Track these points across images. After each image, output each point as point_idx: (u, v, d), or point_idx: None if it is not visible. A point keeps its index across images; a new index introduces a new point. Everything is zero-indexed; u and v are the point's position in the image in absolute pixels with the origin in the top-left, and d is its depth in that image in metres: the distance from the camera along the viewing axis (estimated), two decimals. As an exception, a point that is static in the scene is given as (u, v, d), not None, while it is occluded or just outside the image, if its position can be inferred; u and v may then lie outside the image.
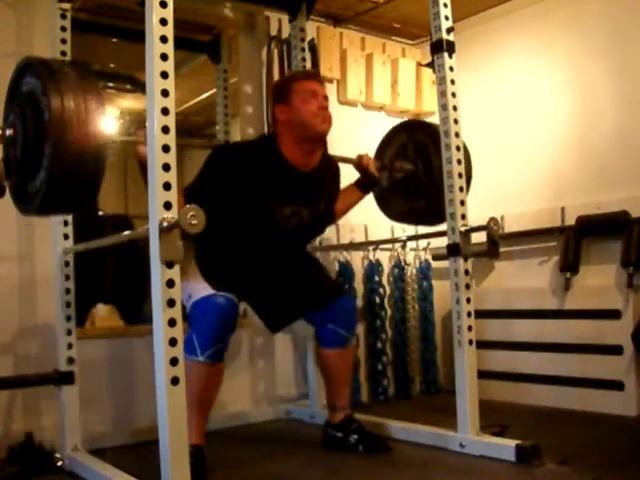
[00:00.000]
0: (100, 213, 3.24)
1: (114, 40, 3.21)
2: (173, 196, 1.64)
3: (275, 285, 2.42)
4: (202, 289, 2.16)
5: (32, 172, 1.68)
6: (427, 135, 2.68)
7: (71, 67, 1.71)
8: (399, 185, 2.83)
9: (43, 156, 1.63)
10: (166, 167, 1.64)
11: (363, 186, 2.62)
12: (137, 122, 3.78)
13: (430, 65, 2.44)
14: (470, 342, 2.32)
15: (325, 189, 2.47)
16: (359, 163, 2.61)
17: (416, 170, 2.75)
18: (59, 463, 2.28)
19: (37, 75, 1.66)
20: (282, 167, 2.31)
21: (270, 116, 2.41)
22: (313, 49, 3.21)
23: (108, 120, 1.66)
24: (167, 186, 1.64)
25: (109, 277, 2.94)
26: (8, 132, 1.74)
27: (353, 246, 3.41)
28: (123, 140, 2.20)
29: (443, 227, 2.43)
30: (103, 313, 2.86)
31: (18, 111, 1.71)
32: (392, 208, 2.92)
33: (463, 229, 2.33)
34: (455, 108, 2.38)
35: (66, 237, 2.36)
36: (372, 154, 2.81)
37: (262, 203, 2.27)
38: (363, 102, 3.65)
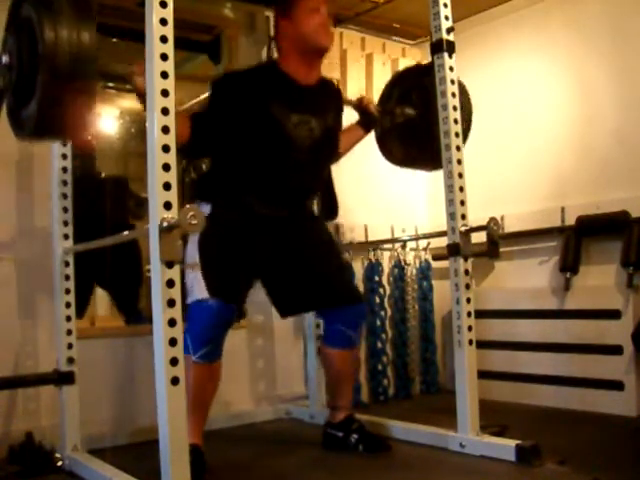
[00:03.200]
0: (102, 175, 3.27)
1: (114, 40, 3.21)
2: (173, 196, 1.64)
3: (291, 262, 2.39)
4: (201, 288, 2.16)
5: (26, 97, 1.71)
6: (431, 80, 2.62)
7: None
8: (400, 129, 2.82)
9: (36, 83, 1.66)
10: (166, 167, 1.64)
11: (364, 125, 2.66)
12: (137, 122, 3.77)
13: (430, 65, 2.44)
14: (470, 342, 2.32)
15: (330, 104, 2.47)
16: (359, 103, 2.65)
17: (418, 115, 2.74)
18: (59, 463, 2.27)
19: (33, 4, 1.71)
20: (284, 81, 2.32)
21: (272, 30, 2.44)
22: (313, 49, 3.21)
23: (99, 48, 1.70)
24: (167, 186, 1.64)
25: (108, 260, 2.93)
26: (4, 58, 1.78)
27: (353, 246, 3.41)
28: (119, 73, 2.26)
29: (443, 227, 2.43)
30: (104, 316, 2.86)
31: (15, 38, 1.76)
32: (392, 151, 2.92)
33: (463, 229, 2.33)
34: (455, 108, 2.38)
35: (66, 237, 2.36)
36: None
37: (267, 113, 2.25)
38: (363, 102, 3.64)
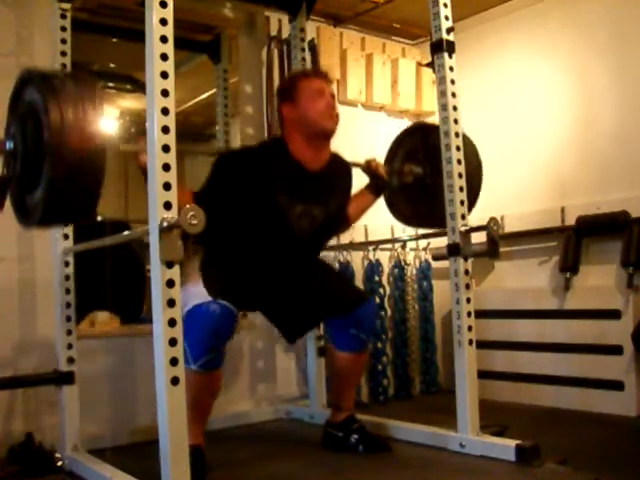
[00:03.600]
0: (99, 218, 3.23)
1: (114, 40, 3.21)
2: (173, 196, 1.64)
3: (291, 294, 2.35)
4: (197, 296, 2.11)
5: (32, 185, 1.67)
6: (438, 138, 2.62)
7: (72, 79, 1.70)
8: (408, 188, 2.78)
9: (42, 171, 1.62)
10: (166, 167, 1.64)
11: (373, 189, 2.59)
12: (138, 125, 3.77)
13: (430, 65, 2.44)
14: (470, 342, 2.31)
15: (336, 188, 2.44)
16: (368, 167, 2.58)
17: (425, 174, 2.70)
18: (59, 463, 2.27)
19: (37, 89, 1.66)
20: (291, 166, 2.28)
21: (276, 115, 2.37)
22: (313, 49, 3.21)
23: (107, 123, 1.65)
24: (167, 186, 1.64)
25: (108, 283, 2.92)
26: (9, 145, 1.72)
27: (353, 246, 3.41)
28: (124, 149, 2.17)
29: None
30: (103, 319, 2.85)
31: (19, 124, 1.71)
32: (400, 210, 2.87)
33: (463, 229, 2.33)
34: (455, 108, 2.38)
35: (66, 237, 2.36)
36: (376, 153, 2.79)
37: (273, 202, 2.22)
38: (363, 102, 3.65)
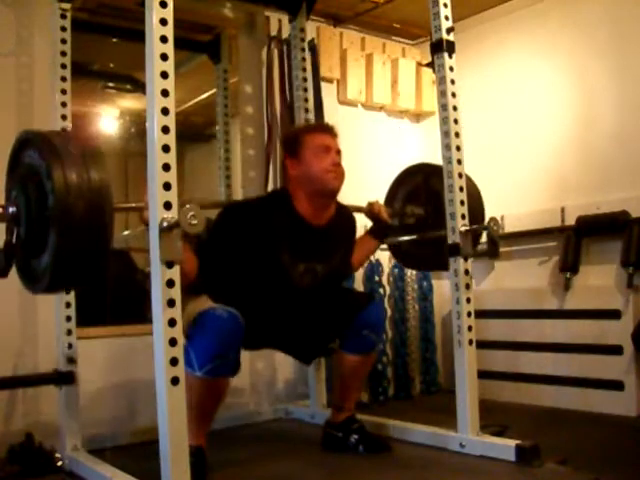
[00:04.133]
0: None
1: (114, 40, 3.21)
2: (173, 196, 1.64)
3: (299, 326, 2.33)
4: (204, 303, 2.08)
5: (37, 251, 1.64)
6: (440, 181, 2.47)
7: (73, 140, 1.67)
8: (410, 229, 2.76)
9: (48, 237, 1.58)
10: (166, 167, 1.64)
11: (376, 233, 2.58)
12: (137, 123, 3.77)
13: (430, 65, 2.43)
14: (470, 342, 2.31)
15: (340, 242, 2.40)
16: (370, 210, 2.57)
17: (427, 215, 2.69)
18: (59, 463, 2.27)
19: (39, 152, 1.62)
20: (295, 223, 2.24)
21: (280, 169, 2.34)
22: (313, 49, 3.20)
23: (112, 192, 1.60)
24: (167, 186, 1.64)
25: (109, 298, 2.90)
26: (11, 210, 1.67)
27: (353, 246, 3.41)
28: (128, 208, 2.10)
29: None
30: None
31: (20, 188, 1.66)
32: (405, 254, 2.86)
33: (463, 229, 2.33)
34: (455, 108, 2.37)
35: (66, 237, 2.35)
36: (382, 200, 2.78)
37: (276, 261, 2.19)
38: (363, 102, 3.65)
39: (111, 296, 2.85)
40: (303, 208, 2.25)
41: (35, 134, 1.68)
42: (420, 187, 2.75)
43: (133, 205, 1.97)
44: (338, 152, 2.28)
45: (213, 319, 2.02)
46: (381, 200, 2.72)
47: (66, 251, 1.56)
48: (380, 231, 2.58)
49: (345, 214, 2.46)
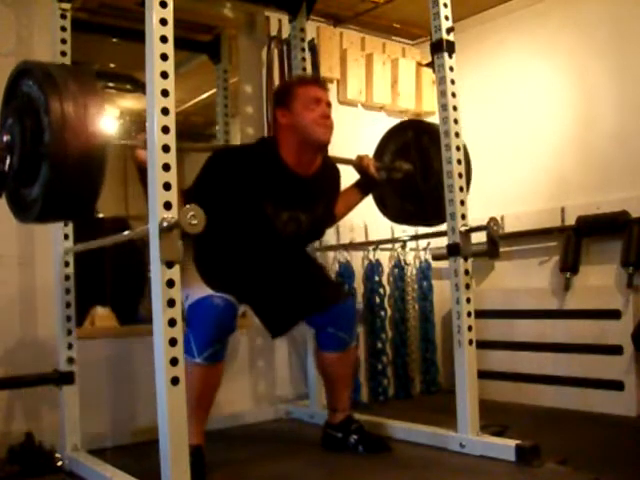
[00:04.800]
0: (100, 215, 3.24)
1: (114, 40, 3.21)
2: (173, 196, 1.64)
3: (275, 288, 2.40)
4: (200, 289, 2.14)
5: (30, 180, 1.66)
6: (430, 139, 2.62)
7: (71, 71, 1.68)
8: (397, 184, 2.81)
9: (41, 168, 1.60)
10: (166, 167, 1.64)
11: (363, 187, 2.60)
12: (137, 122, 3.77)
13: (430, 65, 2.44)
14: (470, 342, 2.31)
15: (324, 193, 2.45)
16: (359, 164, 2.59)
17: (415, 171, 2.73)
18: (59, 463, 2.28)
19: (36, 81, 1.64)
20: (281, 172, 2.29)
21: (270, 118, 2.37)
22: (313, 49, 3.21)
23: (108, 122, 1.63)
24: (167, 186, 1.64)
25: (108, 279, 2.92)
26: (5, 138, 1.70)
27: (353, 246, 3.41)
28: (122, 144, 2.15)
29: (443, 227, 2.43)
30: (102, 314, 2.86)
31: (16, 118, 1.68)
32: (388, 207, 2.91)
33: (463, 229, 2.33)
34: (455, 108, 2.37)
35: (66, 237, 2.36)
36: (372, 153, 2.80)
37: (260, 209, 2.24)
38: (363, 102, 3.65)
39: (117, 289, 2.88)
40: (289, 158, 2.29)
41: (34, 65, 1.70)
42: (410, 143, 2.78)
43: (128, 142, 2.03)
44: (328, 104, 2.32)
45: (211, 308, 2.10)
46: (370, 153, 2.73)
47: (57, 185, 1.60)
48: (366, 185, 2.60)
49: (330, 165, 2.49)
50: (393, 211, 2.91)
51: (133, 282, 3.09)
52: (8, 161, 1.69)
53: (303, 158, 2.30)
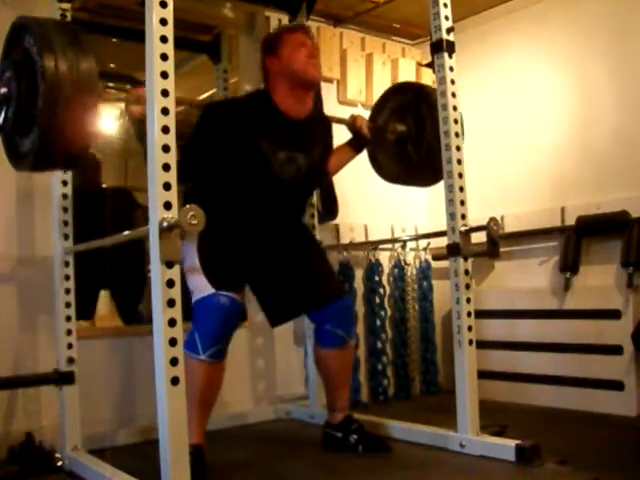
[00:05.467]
0: (103, 186, 3.26)
1: (114, 40, 3.21)
2: (173, 196, 1.64)
3: (277, 262, 2.40)
4: (205, 286, 2.15)
5: (25, 130, 1.71)
6: (429, 108, 2.61)
7: (66, 27, 1.76)
8: (393, 145, 2.83)
9: (36, 119, 1.66)
10: (166, 167, 1.64)
11: (355, 146, 2.66)
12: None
13: (430, 65, 2.44)
14: (470, 342, 2.31)
15: (319, 138, 2.47)
16: (352, 123, 2.65)
17: (408, 136, 2.76)
18: (59, 463, 2.27)
19: (32, 35, 1.69)
20: (275, 115, 2.32)
21: (261, 69, 2.43)
22: (313, 49, 3.21)
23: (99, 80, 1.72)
24: (167, 186, 1.64)
25: (109, 266, 2.92)
26: (3, 90, 1.76)
27: (353, 246, 3.41)
28: (117, 100, 2.23)
29: (443, 227, 2.43)
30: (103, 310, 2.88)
31: (13, 69, 1.75)
32: (383, 167, 2.93)
33: (463, 229, 2.33)
34: (455, 108, 2.38)
35: (66, 237, 2.36)
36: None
37: (256, 149, 2.26)
38: (363, 102, 3.64)
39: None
40: (283, 102, 2.33)
41: (30, 19, 1.77)
42: (407, 105, 2.80)
43: (122, 97, 2.11)
44: (314, 47, 2.39)
45: (217, 306, 2.13)
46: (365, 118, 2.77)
47: (51, 135, 1.67)
48: (359, 144, 2.67)
49: (323, 116, 2.62)
50: (386, 172, 2.93)
51: (135, 278, 3.10)
52: (4, 112, 1.77)
53: (296, 100, 2.34)
